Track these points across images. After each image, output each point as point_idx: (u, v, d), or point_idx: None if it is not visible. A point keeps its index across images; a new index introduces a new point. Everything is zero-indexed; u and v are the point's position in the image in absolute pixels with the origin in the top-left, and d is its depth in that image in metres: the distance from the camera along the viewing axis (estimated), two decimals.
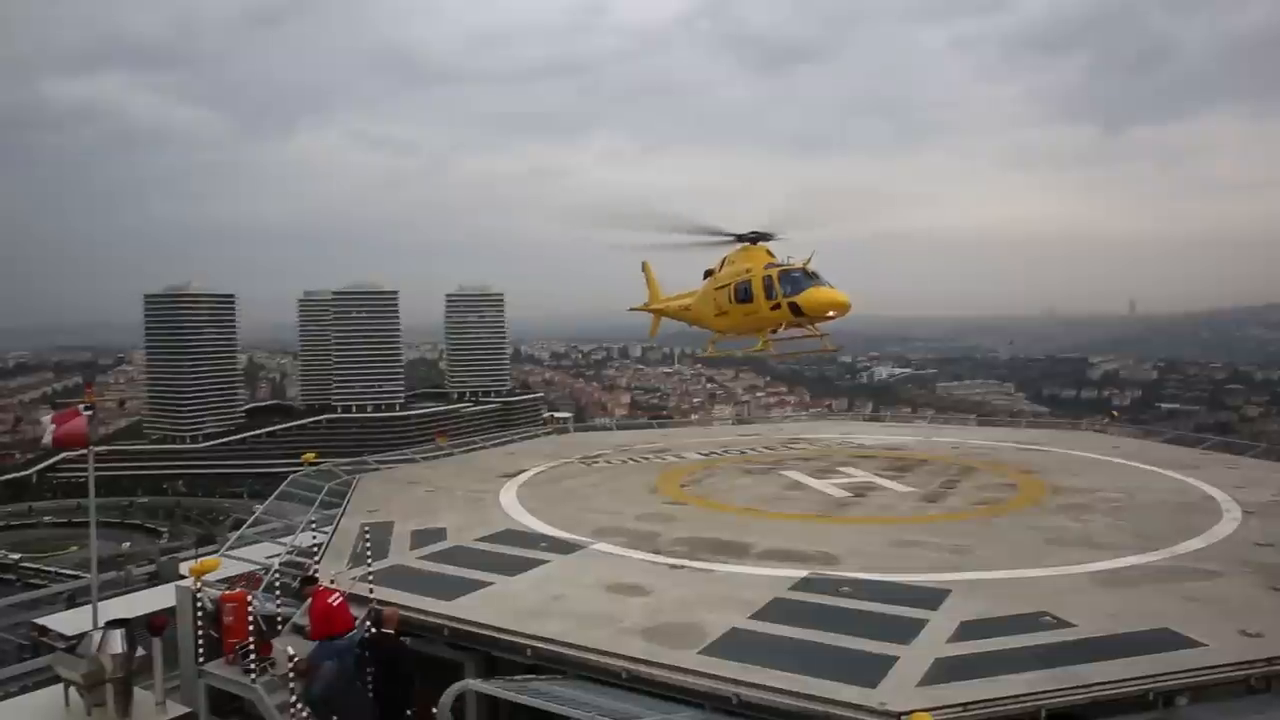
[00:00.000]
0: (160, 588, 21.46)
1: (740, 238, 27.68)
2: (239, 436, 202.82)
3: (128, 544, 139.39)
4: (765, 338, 26.58)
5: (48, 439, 16.47)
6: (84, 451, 17.51)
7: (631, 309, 35.95)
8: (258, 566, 16.57)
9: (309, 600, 12.79)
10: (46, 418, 16.95)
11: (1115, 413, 49.45)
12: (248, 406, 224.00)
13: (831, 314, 25.02)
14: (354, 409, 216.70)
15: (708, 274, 29.76)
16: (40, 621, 19.41)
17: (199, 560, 15.55)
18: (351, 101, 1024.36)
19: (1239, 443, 30.94)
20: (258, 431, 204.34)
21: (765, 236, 27.37)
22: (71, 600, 21.40)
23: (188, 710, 14.30)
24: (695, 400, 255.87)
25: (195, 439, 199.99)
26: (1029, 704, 9.73)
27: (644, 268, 35.00)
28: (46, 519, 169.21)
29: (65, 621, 19.15)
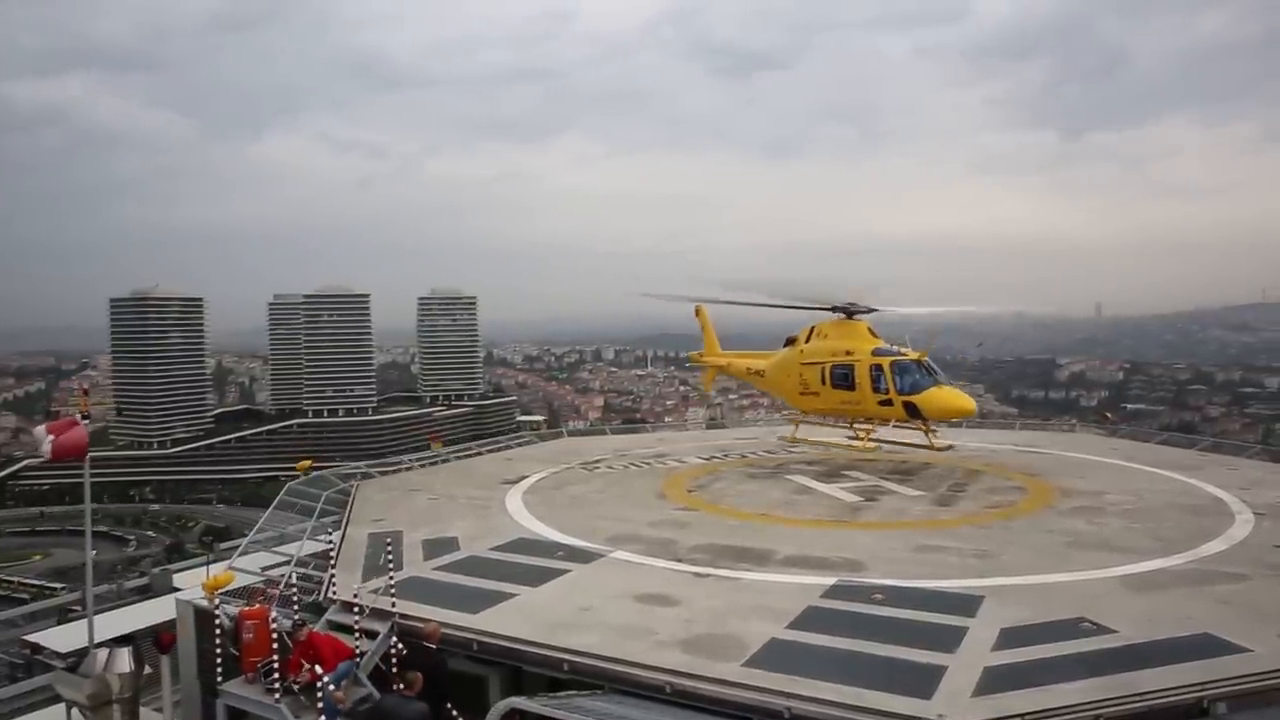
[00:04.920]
0: (154, 601, 20.72)
1: (834, 309, 25.96)
2: (207, 442, 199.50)
3: (93, 552, 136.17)
4: (869, 438, 24.80)
5: (46, 450, 15.79)
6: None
7: (690, 360, 35.11)
8: (263, 578, 16.12)
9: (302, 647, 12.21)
10: (41, 429, 16.28)
11: (1108, 414, 49.99)
12: (217, 411, 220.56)
13: (953, 419, 23.64)
14: (325, 413, 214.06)
15: (789, 341, 27.90)
16: (32, 638, 18.65)
17: (211, 575, 14.99)
18: (320, 105, 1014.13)
19: (1235, 443, 31.35)
20: (227, 437, 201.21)
21: (861, 310, 25.56)
22: (63, 615, 20.61)
23: None
24: (669, 403, 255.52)
25: (163, 445, 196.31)
26: (1087, 713, 9.58)
27: (698, 313, 33.62)
28: None
29: (58, 638, 18.36)
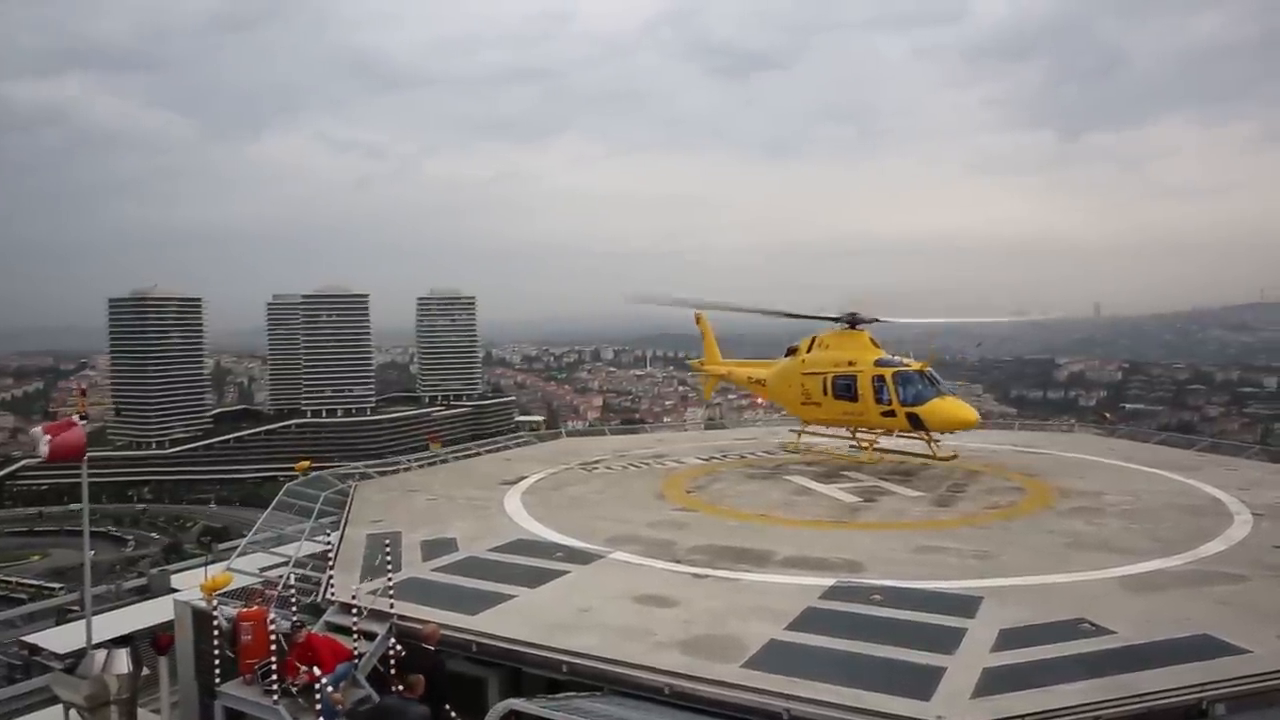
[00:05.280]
0: (152, 602, 20.72)
1: (836, 319, 26.02)
2: (206, 442, 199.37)
3: (91, 552, 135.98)
4: (871, 449, 24.76)
5: (43, 451, 15.78)
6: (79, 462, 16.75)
7: (692, 368, 35.28)
8: (261, 579, 16.08)
9: (300, 648, 12.22)
10: (39, 430, 16.27)
11: (1107, 414, 50.07)
12: (215, 412, 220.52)
13: (956, 430, 23.57)
14: (324, 413, 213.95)
15: (790, 351, 27.91)
16: (30, 639, 18.65)
17: (210, 577, 14.99)
18: (319, 105, 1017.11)
19: (1233, 443, 31.39)
20: (225, 437, 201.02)
21: (864, 320, 25.61)
22: (61, 616, 20.60)
23: None
24: (668, 403, 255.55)
25: (161, 445, 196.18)
26: (1087, 715, 9.57)
27: (698, 321, 33.55)
28: None
29: (56, 638, 18.40)
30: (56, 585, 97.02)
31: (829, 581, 14.38)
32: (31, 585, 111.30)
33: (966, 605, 12.99)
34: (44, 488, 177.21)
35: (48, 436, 15.83)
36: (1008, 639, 11.64)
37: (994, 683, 10.32)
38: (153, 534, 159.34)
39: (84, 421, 16.08)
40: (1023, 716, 9.47)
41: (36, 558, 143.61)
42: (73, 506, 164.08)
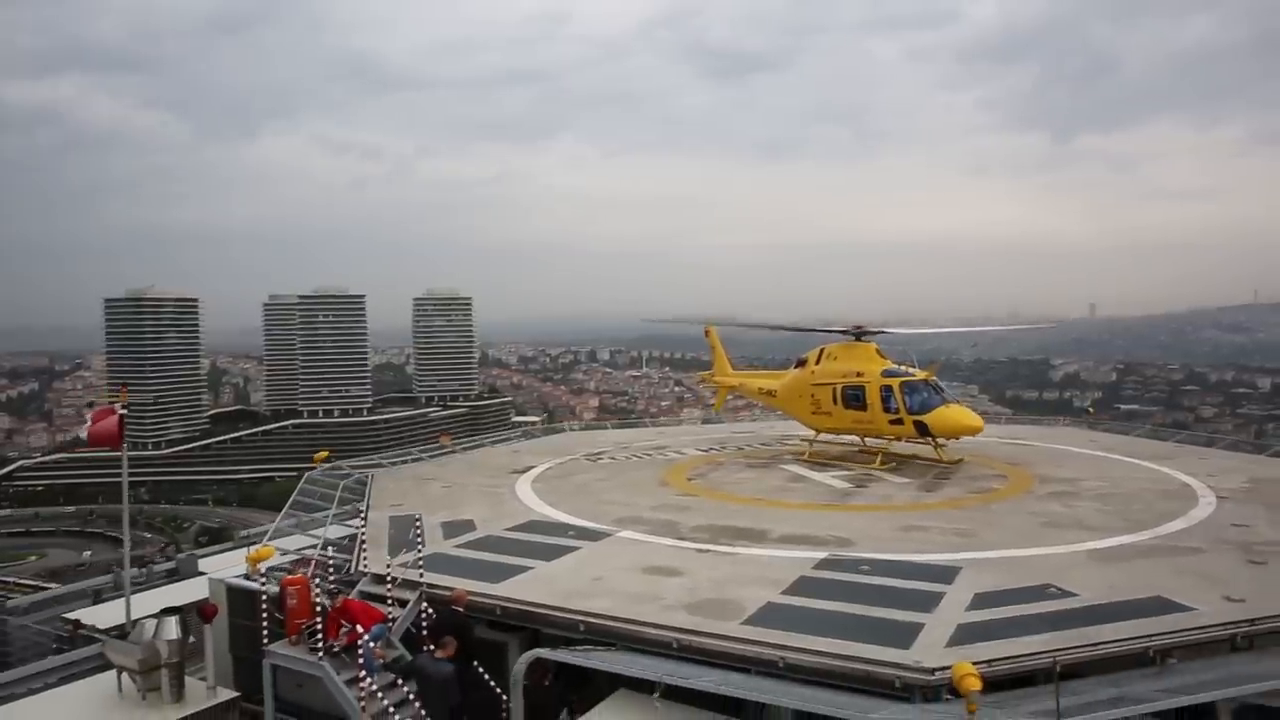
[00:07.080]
0: (183, 583, 21.85)
1: (844, 332, 27.14)
2: (203, 443, 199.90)
3: (88, 553, 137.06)
4: (881, 454, 25.50)
5: (84, 435, 17.15)
6: (117, 451, 17.88)
7: (701, 381, 36.32)
8: (296, 557, 17.26)
9: (337, 611, 13.48)
10: (89, 413, 17.61)
11: (1090, 409, 51.40)
12: (211, 412, 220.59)
13: (961, 437, 24.62)
14: (320, 414, 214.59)
15: (800, 363, 28.86)
16: (71, 616, 19.89)
17: (254, 549, 16.21)
18: (316, 107, 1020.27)
19: (1208, 435, 32.73)
20: (222, 438, 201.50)
21: (869, 331, 26.76)
22: (97, 597, 21.84)
23: (235, 694, 15.00)
24: (664, 404, 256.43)
25: (158, 445, 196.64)
26: (1045, 660, 10.81)
27: (708, 334, 34.58)
28: None
29: (96, 615, 19.61)
30: (52, 586, 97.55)
31: (821, 555, 15.65)
32: (28, 585, 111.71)
33: (946, 574, 14.26)
34: (40, 489, 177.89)
35: (89, 422, 17.20)
36: (982, 600, 12.92)
37: (967, 635, 11.59)
38: (148, 534, 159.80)
39: (124, 411, 17.34)
40: (989, 661, 10.70)
41: (33, 558, 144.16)
42: (69, 508, 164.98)
